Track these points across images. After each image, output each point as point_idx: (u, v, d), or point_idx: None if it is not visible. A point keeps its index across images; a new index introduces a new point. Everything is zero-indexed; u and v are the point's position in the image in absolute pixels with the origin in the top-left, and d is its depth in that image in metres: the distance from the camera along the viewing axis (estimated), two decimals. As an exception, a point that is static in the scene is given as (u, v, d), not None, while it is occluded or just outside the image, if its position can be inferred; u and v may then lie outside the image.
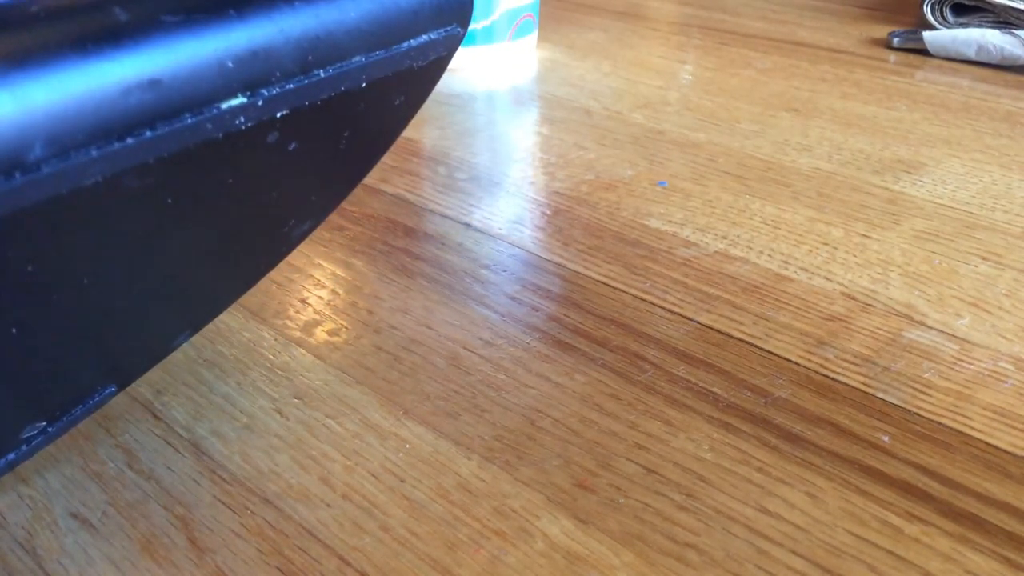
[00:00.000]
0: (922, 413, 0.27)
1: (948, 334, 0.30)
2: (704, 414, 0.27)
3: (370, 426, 0.27)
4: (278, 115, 0.19)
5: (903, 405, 0.27)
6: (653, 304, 0.32)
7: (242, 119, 0.18)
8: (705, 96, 0.54)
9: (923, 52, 0.61)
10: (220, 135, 0.18)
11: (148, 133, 0.17)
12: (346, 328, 0.31)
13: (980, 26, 0.61)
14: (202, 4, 0.18)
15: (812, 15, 0.72)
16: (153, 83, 0.17)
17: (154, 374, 0.29)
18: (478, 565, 0.22)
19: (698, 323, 0.31)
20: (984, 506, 0.23)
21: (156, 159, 0.17)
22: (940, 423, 0.26)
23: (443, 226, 0.39)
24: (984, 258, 0.35)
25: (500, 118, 0.51)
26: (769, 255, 0.36)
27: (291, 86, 0.19)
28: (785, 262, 0.35)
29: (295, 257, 0.36)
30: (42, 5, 0.16)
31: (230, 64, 0.18)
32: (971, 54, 0.58)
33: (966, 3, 0.62)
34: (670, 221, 0.39)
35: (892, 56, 0.61)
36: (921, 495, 0.24)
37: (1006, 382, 0.28)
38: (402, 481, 0.25)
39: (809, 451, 0.25)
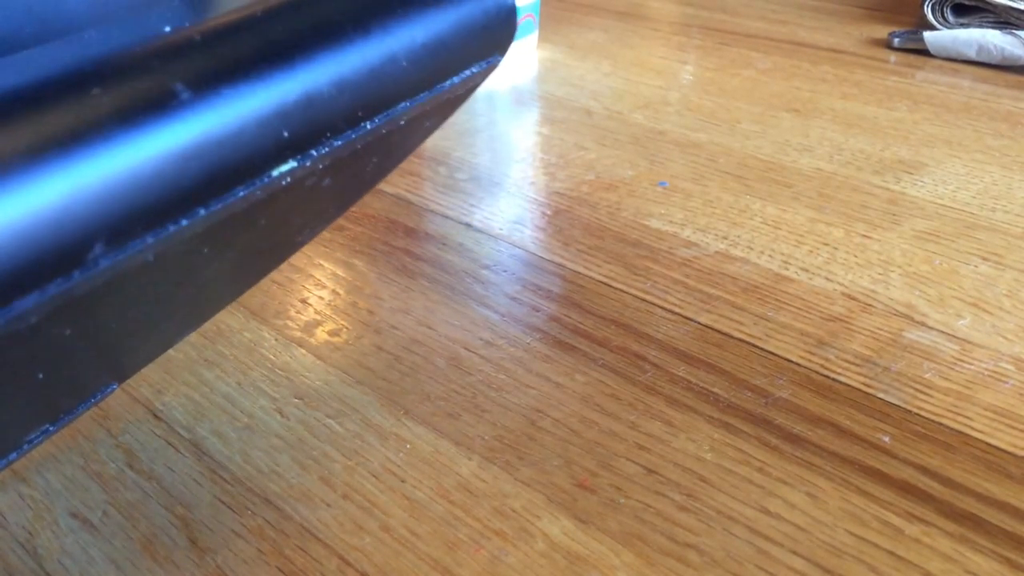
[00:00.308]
0: (922, 413, 0.27)
1: (949, 334, 0.30)
2: (705, 414, 0.27)
3: (371, 426, 0.27)
4: (320, 167, 0.19)
5: (904, 405, 0.27)
6: (654, 304, 0.32)
7: (288, 179, 0.18)
8: (706, 96, 0.54)
9: (924, 52, 0.61)
10: (266, 195, 0.18)
11: (201, 211, 0.16)
12: (347, 328, 0.31)
13: (981, 26, 0.61)
14: (261, 73, 0.18)
15: (812, 15, 0.72)
16: (211, 163, 0.16)
17: (154, 374, 0.29)
18: (478, 565, 0.22)
19: (699, 323, 0.31)
20: (985, 506, 0.23)
21: (204, 228, 0.17)
22: (941, 423, 0.26)
23: (444, 226, 0.39)
24: (985, 258, 0.35)
25: (501, 118, 0.51)
26: (770, 255, 0.36)
27: (339, 143, 0.19)
28: (786, 262, 0.35)
29: (296, 257, 0.36)
30: (101, 82, 0.15)
31: (285, 134, 0.18)
32: (972, 54, 0.58)
33: (967, 3, 0.62)
34: (671, 221, 0.39)
35: (893, 56, 0.61)
36: (922, 495, 0.24)
37: (1007, 382, 0.28)
38: (402, 481, 0.25)
39: (810, 451, 0.25)
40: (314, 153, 0.19)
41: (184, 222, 0.16)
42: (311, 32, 0.19)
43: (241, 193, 0.17)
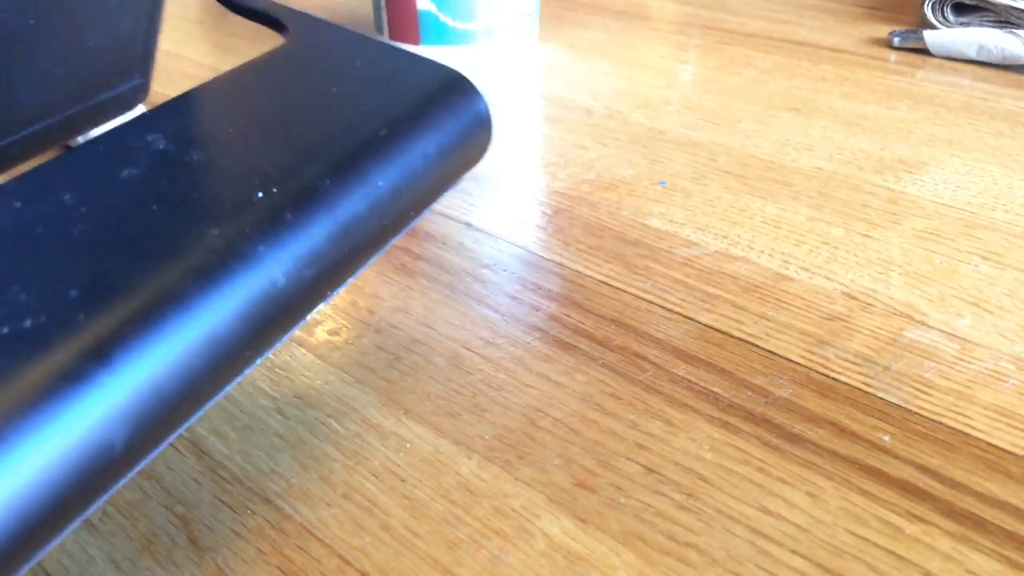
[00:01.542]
0: (923, 413, 0.27)
1: (949, 334, 0.30)
2: (705, 414, 0.27)
3: (371, 426, 0.27)
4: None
5: (904, 405, 0.27)
6: (654, 304, 0.32)
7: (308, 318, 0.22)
8: (706, 95, 0.54)
9: (924, 52, 0.61)
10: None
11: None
12: (347, 328, 0.31)
13: (981, 26, 0.61)
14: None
15: (813, 15, 0.72)
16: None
17: (155, 374, 0.29)
18: (478, 564, 0.22)
19: (699, 323, 0.31)
20: (985, 506, 0.23)
21: None
22: (941, 423, 0.26)
23: (444, 225, 0.38)
24: (985, 258, 0.35)
25: (501, 118, 0.51)
26: (770, 255, 0.36)
27: (359, 272, 0.22)
28: (786, 261, 0.35)
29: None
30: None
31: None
32: (972, 53, 0.58)
33: (967, 3, 0.62)
34: (671, 220, 0.39)
35: (893, 55, 0.61)
36: (922, 495, 0.24)
37: (1007, 382, 0.28)
38: (403, 481, 0.25)
39: (810, 451, 0.25)
40: (334, 293, 0.22)
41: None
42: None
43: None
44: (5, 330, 0.15)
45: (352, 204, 0.21)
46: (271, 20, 0.27)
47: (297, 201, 0.19)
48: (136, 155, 0.20)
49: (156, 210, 0.18)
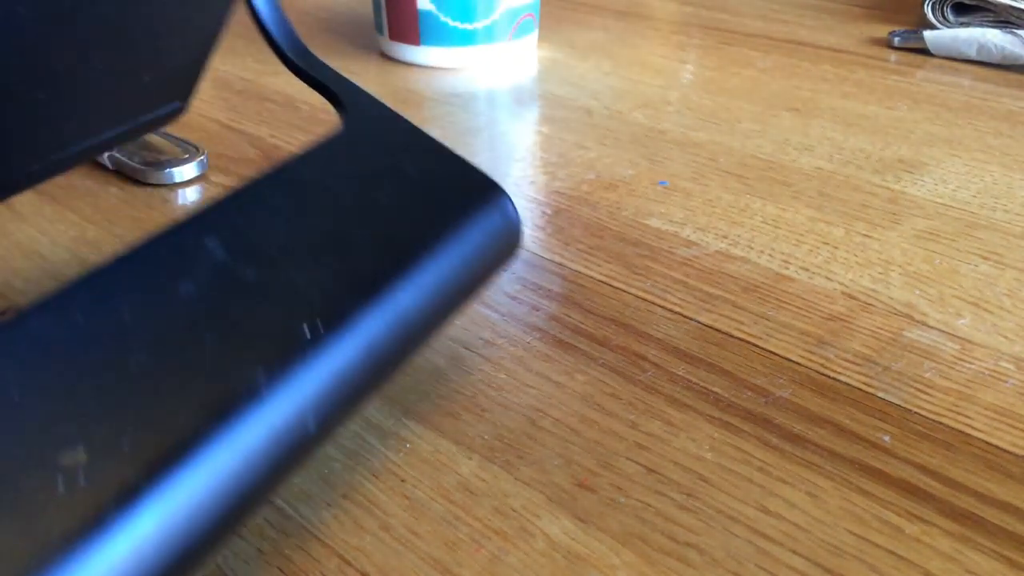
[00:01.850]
0: (923, 413, 0.27)
1: (949, 334, 0.30)
2: (705, 414, 0.27)
3: (370, 425, 0.27)
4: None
5: (904, 405, 0.27)
6: (654, 303, 0.32)
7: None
8: (706, 95, 0.54)
9: (924, 51, 0.61)
10: None
11: None
12: (346, 328, 0.31)
13: (981, 25, 0.61)
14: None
15: (813, 14, 0.72)
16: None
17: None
18: (478, 564, 0.22)
19: (699, 323, 0.31)
20: (985, 506, 0.23)
21: None
22: (941, 423, 0.26)
23: (444, 226, 0.38)
24: (985, 258, 0.35)
25: (501, 117, 0.51)
26: (770, 254, 0.36)
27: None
28: (786, 261, 0.35)
29: (296, 257, 0.36)
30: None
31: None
32: (972, 53, 0.58)
33: (967, 2, 0.62)
34: (671, 220, 0.39)
35: (893, 55, 0.61)
36: (922, 495, 0.24)
37: (1007, 382, 0.28)
38: (403, 481, 0.25)
39: (810, 451, 0.25)
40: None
41: None
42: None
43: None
44: (61, 488, 0.15)
45: (391, 340, 0.22)
46: (331, 95, 0.29)
47: (340, 342, 0.21)
48: (195, 265, 0.21)
49: (208, 340, 0.19)
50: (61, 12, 0.19)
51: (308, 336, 0.20)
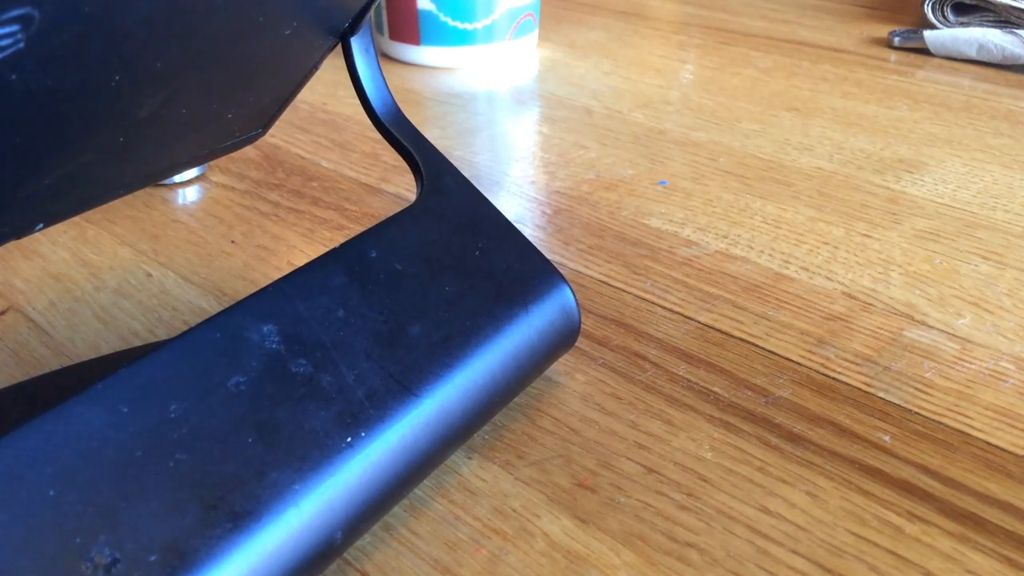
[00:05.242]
0: (923, 412, 0.27)
1: (949, 333, 0.30)
2: (705, 413, 0.27)
3: (370, 425, 0.27)
4: None
5: (904, 405, 0.27)
6: (654, 303, 0.32)
7: None
8: (706, 95, 0.54)
9: (924, 51, 0.61)
10: None
11: None
12: (346, 327, 0.31)
13: (981, 25, 0.61)
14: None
15: (813, 14, 0.72)
16: None
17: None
18: (478, 564, 0.22)
19: (699, 322, 0.31)
20: (985, 506, 0.23)
21: None
22: (941, 423, 0.26)
23: (444, 225, 0.38)
24: (985, 257, 0.35)
25: (501, 117, 0.51)
26: (770, 254, 0.36)
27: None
28: (786, 261, 0.35)
29: (296, 257, 0.36)
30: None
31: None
32: (972, 53, 0.58)
33: (967, 2, 0.62)
34: (671, 220, 0.39)
35: (893, 55, 0.61)
36: (922, 495, 0.24)
37: (1007, 381, 0.28)
38: (402, 480, 0.25)
39: (810, 451, 0.25)
40: None
41: None
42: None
43: None
44: None
45: (432, 444, 0.22)
46: (411, 160, 0.27)
47: (379, 453, 0.20)
48: (248, 356, 0.20)
49: (251, 445, 0.19)
50: (165, 65, 0.18)
51: (349, 443, 0.20)
